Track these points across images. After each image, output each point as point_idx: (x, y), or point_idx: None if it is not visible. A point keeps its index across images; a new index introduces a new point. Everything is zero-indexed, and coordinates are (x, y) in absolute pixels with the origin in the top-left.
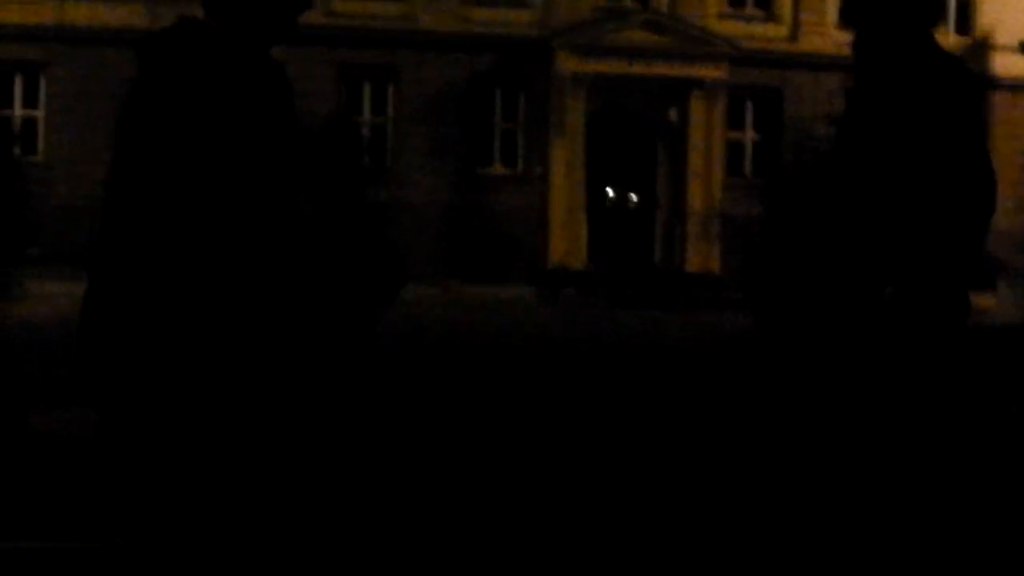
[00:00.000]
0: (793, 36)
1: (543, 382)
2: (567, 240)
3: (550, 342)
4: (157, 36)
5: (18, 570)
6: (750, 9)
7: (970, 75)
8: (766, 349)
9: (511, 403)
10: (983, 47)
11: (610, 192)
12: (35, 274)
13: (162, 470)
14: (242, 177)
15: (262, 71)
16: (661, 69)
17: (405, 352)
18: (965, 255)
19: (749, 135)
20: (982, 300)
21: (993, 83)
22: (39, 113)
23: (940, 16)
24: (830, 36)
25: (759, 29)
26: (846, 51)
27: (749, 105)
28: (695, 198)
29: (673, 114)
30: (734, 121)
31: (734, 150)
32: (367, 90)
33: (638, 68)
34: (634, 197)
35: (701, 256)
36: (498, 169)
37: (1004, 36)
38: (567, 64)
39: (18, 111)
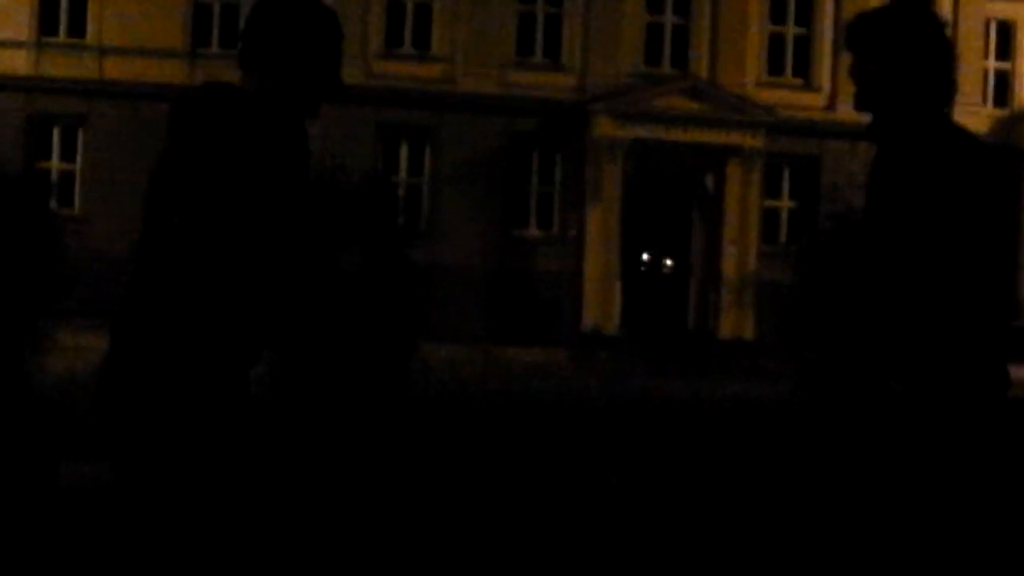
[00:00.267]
0: (830, 105)
1: (573, 447)
2: (601, 304)
3: (582, 407)
4: (184, 99)
5: None
6: (788, 77)
7: (987, 150)
8: (811, 417)
9: (541, 466)
10: (1021, 119)
11: (645, 257)
12: (69, 326)
13: (174, 527)
14: (263, 239)
15: (284, 137)
16: (698, 136)
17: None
18: (992, 329)
19: (785, 203)
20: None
21: None
22: (76, 166)
23: (953, 94)
24: None
25: (797, 97)
26: None
27: (786, 172)
28: (730, 264)
29: (709, 180)
30: (770, 188)
31: (770, 217)
32: (404, 150)
33: (675, 134)
34: (669, 262)
35: (735, 322)
36: (534, 232)
37: None
38: (604, 129)
39: (56, 164)
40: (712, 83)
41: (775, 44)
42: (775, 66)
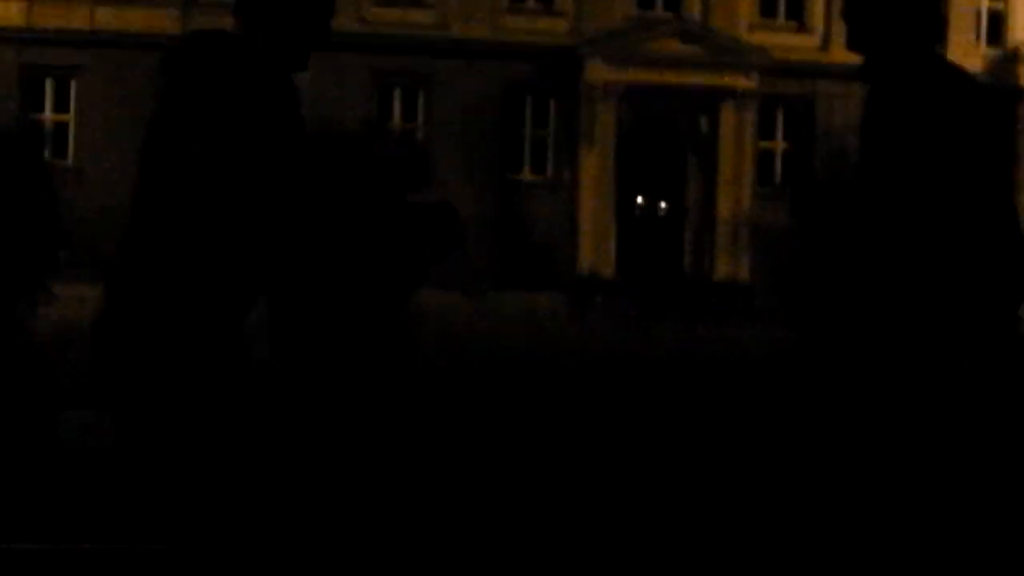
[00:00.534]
0: (824, 46)
1: (566, 395)
2: (596, 248)
3: (580, 356)
4: (174, 49)
5: (33, 572)
6: (781, 20)
7: (981, 88)
8: (810, 360)
9: (536, 414)
10: (1014, 59)
11: (640, 200)
12: (64, 277)
13: (175, 473)
14: (255, 186)
15: (274, 84)
16: (692, 79)
17: (432, 361)
18: (998, 267)
19: (780, 145)
20: None
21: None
22: (69, 117)
23: (943, 31)
24: None
25: (790, 39)
26: None
27: (780, 115)
28: (725, 207)
29: (704, 123)
30: (765, 131)
31: (764, 159)
32: (398, 97)
33: (669, 77)
34: (663, 205)
35: (730, 264)
36: (528, 176)
37: None
38: (598, 73)
39: (49, 115)
40: (704, 26)
41: None
42: (768, 8)
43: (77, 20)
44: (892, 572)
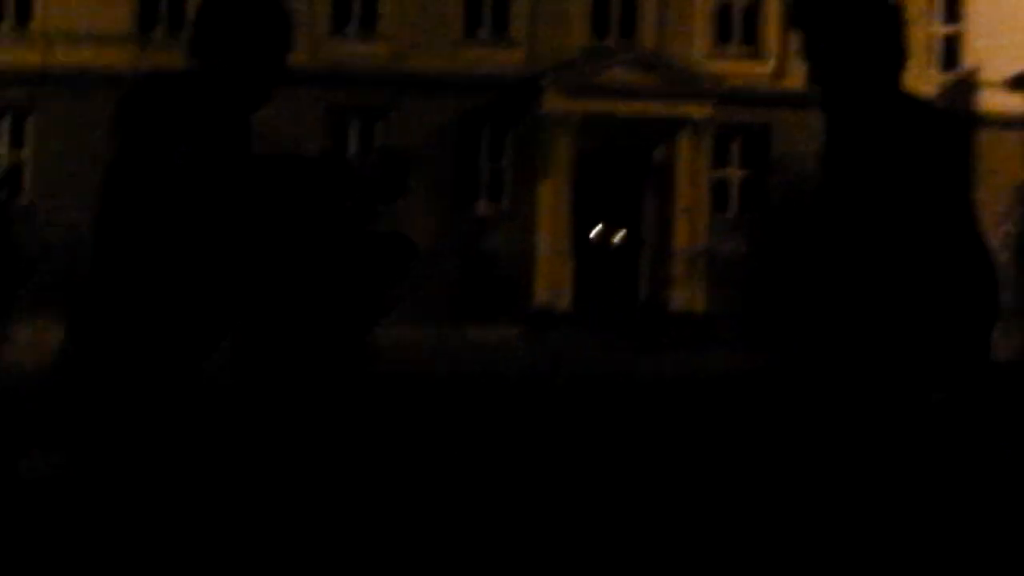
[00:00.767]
0: (779, 73)
1: (518, 425)
2: (553, 279)
3: (531, 387)
4: (129, 93)
5: None
6: (736, 47)
7: (942, 115)
8: (773, 385)
9: (490, 444)
10: (969, 84)
11: (596, 231)
12: (21, 317)
13: (138, 510)
14: (214, 227)
15: (232, 123)
16: (647, 108)
17: (390, 393)
18: (966, 293)
19: (736, 172)
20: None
21: (980, 120)
22: (26, 154)
23: (905, 61)
24: None
25: (745, 67)
26: None
27: (736, 143)
28: (681, 236)
29: (660, 152)
30: (721, 159)
31: (720, 188)
32: (355, 130)
33: (625, 107)
34: (620, 235)
35: (687, 294)
36: (485, 208)
37: (990, 72)
38: (554, 103)
39: (4, 152)
40: (659, 55)
41: (723, 13)
42: (723, 35)
43: (32, 58)
44: None
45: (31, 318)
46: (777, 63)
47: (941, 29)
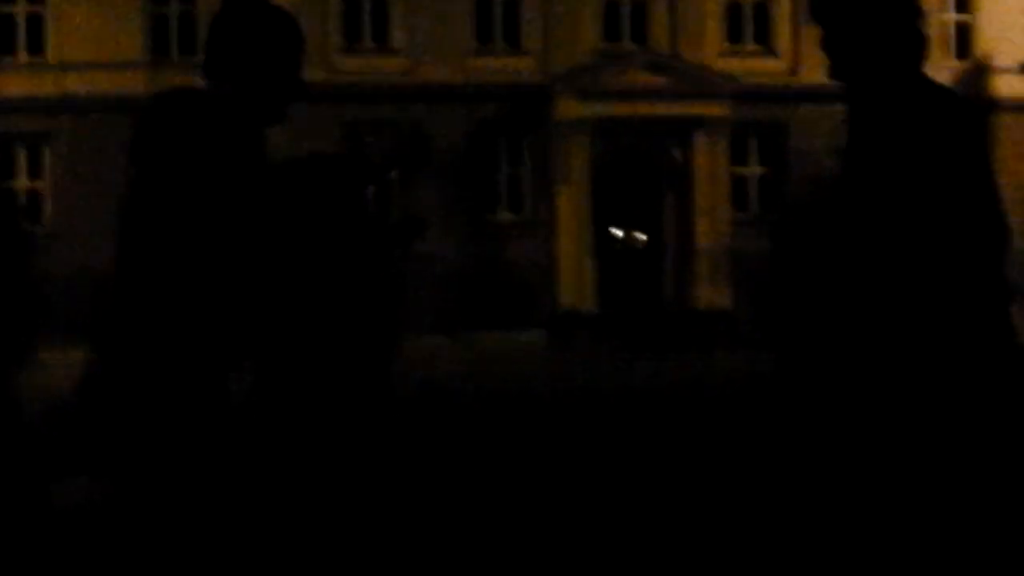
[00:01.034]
0: (793, 70)
1: (550, 434)
2: (576, 283)
3: (563, 390)
4: (148, 111)
5: None
6: (749, 45)
7: (964, 105)
8: (789, 388)
9: (523, 454)
10: (983, 70)
11: (617, 233)
12: (45, 343)
13: (167, 534)
14: (234, 246)
15: (248, 143)
16: (663, 109)
17: (414, 403)
18: (991, 280)
19: (754, 170)
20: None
21: (995, 105)
22: (44, 183)
23: (925, 51)
24: None
25: (759, 64)
26: None
27: (753, 140)
28: (703, 236)
29: (677, 153)
30: (738, 157)
31: (740, 186)
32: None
33: (640, 109)
34: (642, 237)
35: (711, 293)
36: (505, 216)
37: (1004, 58)
38: (568, 109)
39: (23, 182)
40: (672, 55)
41: (734, 12)
42: (735, 34)
43: (47, 87)
44: None
45: (57, 345)
46: (790, 60)
47: (953, 17)
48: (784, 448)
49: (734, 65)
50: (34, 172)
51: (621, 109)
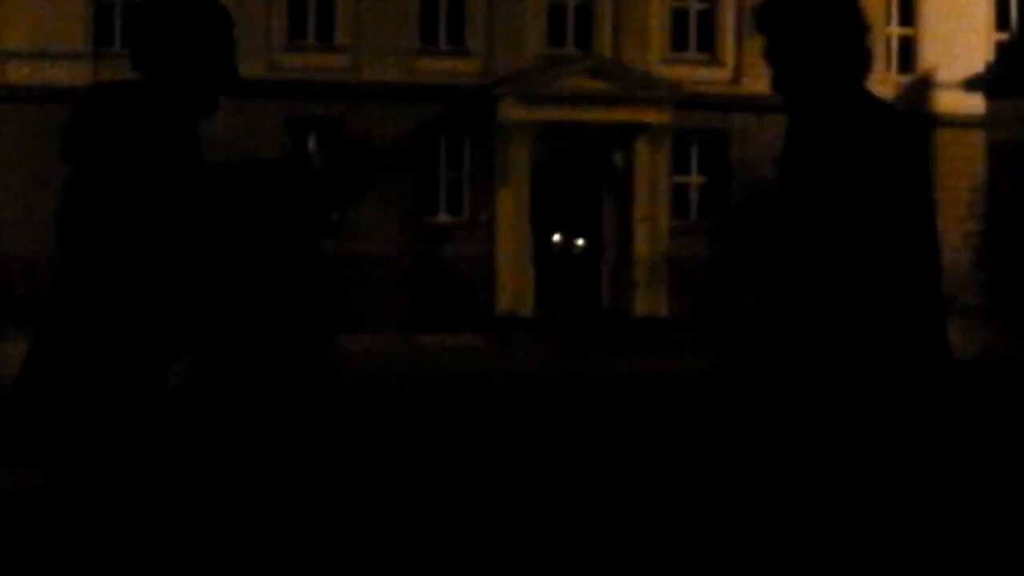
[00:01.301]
0: (736, 79)
1: (490, 430)
2: (515, 287)
3: (500, 391)
4: (80, 105)
5: None
6: (692, 53)
7: (904, 120)
8: (737, 391)
9: (463, 450)
10: (926, 85)
11: (556, 238)
12: None
13: (107, 527)
14: (170, 238)
15: (180, 133)
16: (605, 115)
17: (351, 402)
18: (924, 296)
19: (695, 178)
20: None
21: (937, 121)
22: None
23: (869, 67)
24: None
25: (702, 72)
26: None
27: (694, 148)
28: (642, 242)
29: (618, 159)
30: (680, 165)
31: (680, 193)
32: (313, 142)
33: (582, 114)
34: (580, 242)
35: (649, 300)
36: (445, 218)
37: (947, 74)
38: (511, 112)
39: None
40: (615, 61)
41: (678, 19)
42: (679, 42)
43: None
44: None
45: None
46: (733, 68)
47: (897, 31)
48: (722, 446)
49: (677, 72)
50: None
51: (564, 114)
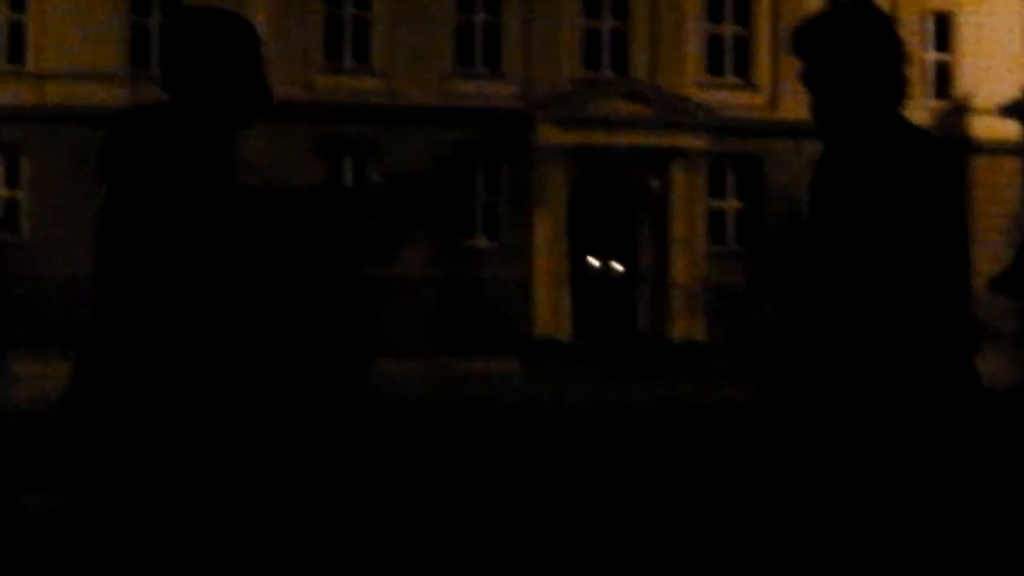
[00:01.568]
0: (772, 104)
1: (527, 457)
2: (551, 311)
3: (536, 418)
4: (112, 129)
5: None
6: (729, 77)
7: (938, 146)
8: (768, 419)
9: (495, 477)
10: (962, 111)
11: (593, 262)
12: (20, 355)
13: (149, 547)
14: (208, 259)
15: (213, 155)
16: (641, 139)
17: (385, 426)
18: (955, 323)
19: (731, 204)
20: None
21: (973, 147)
22: (22, 193)
23: (906, 90)
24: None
25: (738, 97)
26: None
27: (730, 173)
28: (678, 267)
29: (655, 183)
30: (716, 189)
31: (716, 219)
32: (348, 165)
33: (618, 138)
34: (618, 266)
35: (686, 325)
36: (481, 241)
37: (983, 100)
38: (548, 135)
39: (0, 191)
40: (652, 85)
41: (714, 44)
42: (715, 66)
43: (26, 96)
44: None
45: (30, 353)
46: (769, 93)
47: (933, 56)
48: (759, 471)
49: (714, 97)
50: (12, 181)
51: (600, 137)
